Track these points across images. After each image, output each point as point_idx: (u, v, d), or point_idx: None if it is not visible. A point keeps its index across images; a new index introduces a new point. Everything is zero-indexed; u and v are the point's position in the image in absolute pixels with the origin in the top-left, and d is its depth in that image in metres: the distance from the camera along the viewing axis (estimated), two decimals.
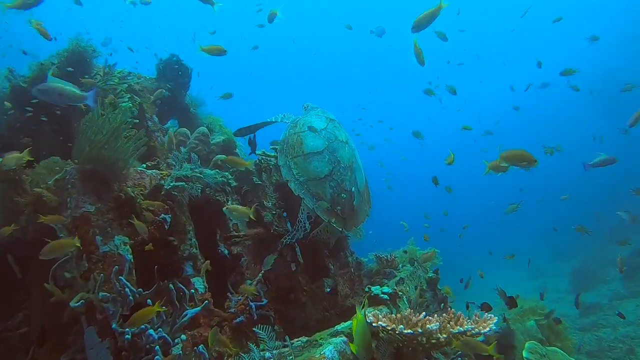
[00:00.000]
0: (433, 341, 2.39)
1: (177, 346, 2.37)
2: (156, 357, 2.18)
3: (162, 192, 2.89)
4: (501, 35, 28.04)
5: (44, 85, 2.55)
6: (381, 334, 2.52)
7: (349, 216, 3.56)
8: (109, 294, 2.25)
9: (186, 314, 2.52)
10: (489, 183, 26.06)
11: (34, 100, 3.32)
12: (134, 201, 2.70)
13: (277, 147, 3.82)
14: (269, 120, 4.08)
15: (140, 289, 2.37)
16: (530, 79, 12.36)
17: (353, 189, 3.59)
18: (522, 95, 11.06)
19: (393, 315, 2.54)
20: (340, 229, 3.51)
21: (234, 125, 4.94)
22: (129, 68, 4.32)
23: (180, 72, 4.84)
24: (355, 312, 2.27)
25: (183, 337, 2.45)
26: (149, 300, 2.35)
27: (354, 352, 2.15)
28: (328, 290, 3.74)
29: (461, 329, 2.42)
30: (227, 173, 3.64)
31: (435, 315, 2.55)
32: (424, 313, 2.48)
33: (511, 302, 3.96)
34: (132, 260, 2.49)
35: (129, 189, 2.76)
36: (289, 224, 3.71)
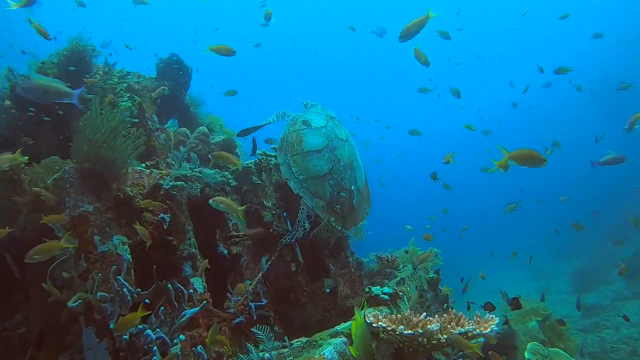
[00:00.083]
0: (434, 342, 2.37)
1: (175, 346, 2.36)
2: (154, 357, 2.16)
3: (161, 192, 2.88)
4: (502, 34, 28.03)
5: (27, 82, 2.47)
6: (381, 335, 2.50)
7: (348, 215, 3.54)
8: (107, 294, 2.23)
9: (185, 314, 2.51)
10: (490, 183, 26.06)
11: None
12: (133, 201, 2.69)
13: (276, 145, 3.80)
14: (269, 119, 4.06)
15: (138, 289, 2.36)
16: (531, 78, 12.33)
17: (353, 187, 3.57)
18: (523, 95, 11.03)
19: (393, 315, 2.51)
20: (340, 228, 3.49)
21: (234, 124, 4.94)
22: (128, 68, 4.31)
23: (180, 72, 4.83)
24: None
25: (182, 337, 2.43)
26: (147, 300, 2.33)
27: (354, 355, 2.11)
28: (328, 290, 3.72)
29: (462, 329, 2.40)
30: (226, 173, 3.63)
31: (436, 315, 2.53)
32: (424, 314, 2.46)
33: (515, 304, 3.89)
34: (130, 260, 2.47)
35: (127, 188, 2.75)
36: (289, 224, 3.69)
